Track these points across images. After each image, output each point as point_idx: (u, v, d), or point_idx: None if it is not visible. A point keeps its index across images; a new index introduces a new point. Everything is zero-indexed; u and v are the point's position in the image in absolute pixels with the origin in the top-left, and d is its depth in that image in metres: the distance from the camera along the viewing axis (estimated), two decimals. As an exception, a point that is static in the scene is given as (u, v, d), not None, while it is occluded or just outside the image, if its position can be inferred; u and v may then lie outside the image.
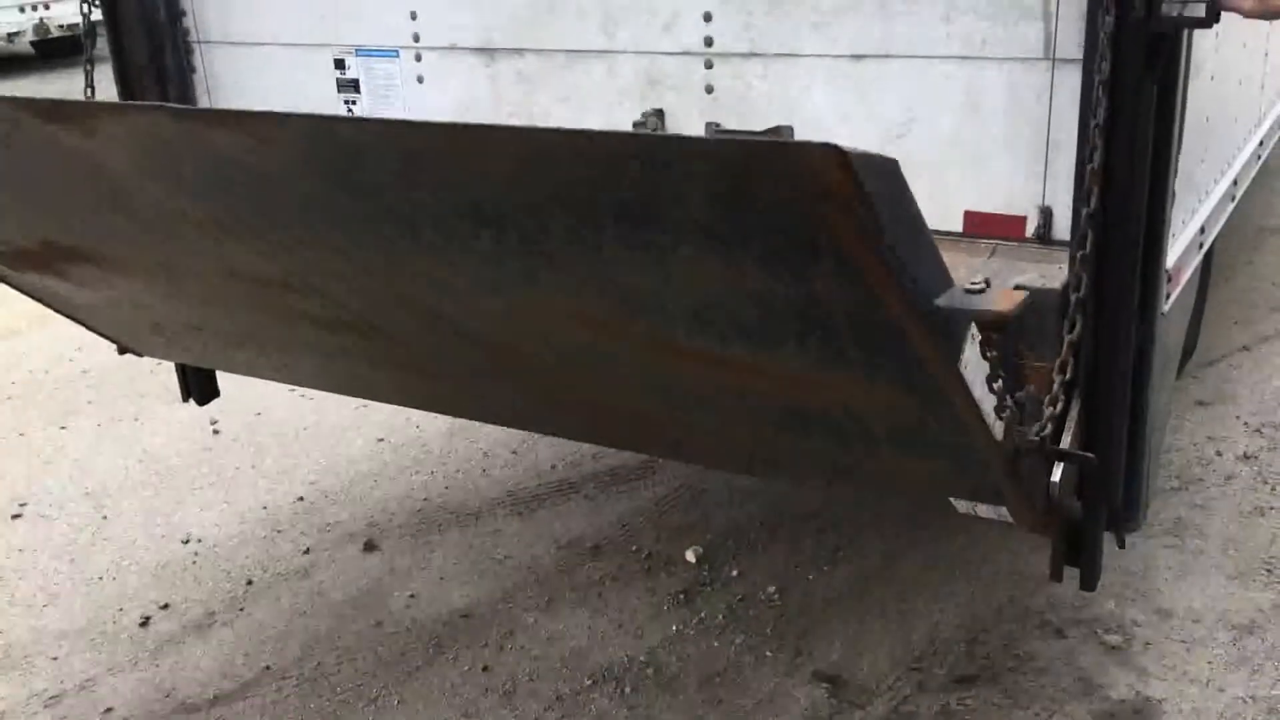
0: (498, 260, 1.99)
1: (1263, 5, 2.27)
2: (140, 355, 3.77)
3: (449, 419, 5.11)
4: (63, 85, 14.09)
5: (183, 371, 4.02)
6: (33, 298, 3.41)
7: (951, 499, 2.55)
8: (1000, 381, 2.04)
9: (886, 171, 1.56)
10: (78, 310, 3.46)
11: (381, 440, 5.04)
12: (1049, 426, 2.22)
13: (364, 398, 3.46)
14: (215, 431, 5.19)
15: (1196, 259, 3.13)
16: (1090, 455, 2.35)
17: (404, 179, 1.83)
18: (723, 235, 1.66)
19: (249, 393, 5.36)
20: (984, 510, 2.51)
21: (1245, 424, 4.67)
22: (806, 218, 1.54)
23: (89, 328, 3.63)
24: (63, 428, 5.34)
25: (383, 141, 1.79)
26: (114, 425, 5.34)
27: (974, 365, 1.98)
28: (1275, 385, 5.02)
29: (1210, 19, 2.20)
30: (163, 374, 5.43)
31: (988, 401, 2.03)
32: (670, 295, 1.94)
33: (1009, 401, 2.09)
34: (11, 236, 2.88)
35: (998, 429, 2.11)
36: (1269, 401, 4.87)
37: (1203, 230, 3.12)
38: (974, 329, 1.95)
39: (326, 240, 2.19)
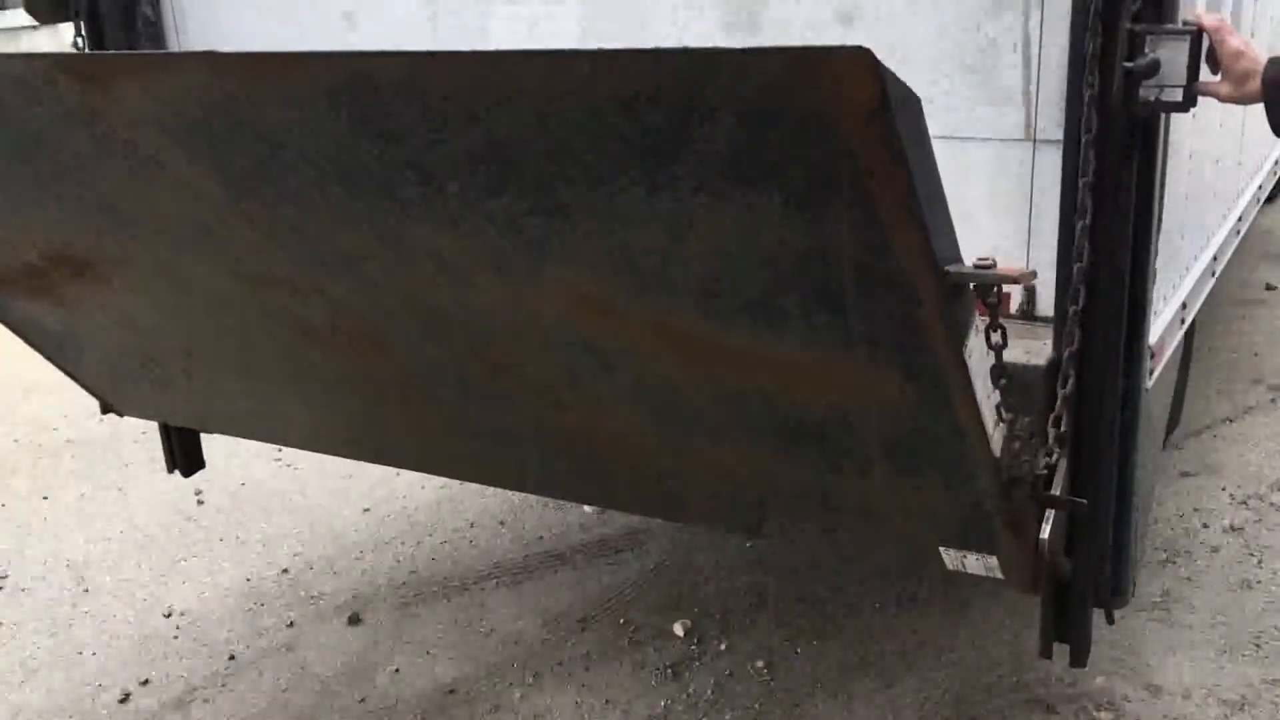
0: (513, 225, 1.95)
1: (1238, 90, 2.33)
2: (121, 414, 3.74)
3: (436, 489, 5.10)
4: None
5: (168, 440, 4.00)
6: (17, 332, 3.36)
7: (941, 549, 2.51)
8: (1003, 378, 2.05)
9: (911, 98, 1.57)
10: (64, 350, 3.41)
11: (367, 510, 5.01)
12: (1043, 466, 2.22)
13: (351, 455, 3.41)
14: (200, 502, 5.15)
15: (1179, 335, 3.16)
16: (1082, 500, 2.34)
17: (430, 119, 1.80)
18: (746, 164, 1.65)
19: (234, 462, 5.35)
20: (973, 563, 2.48)
21: (1231, 496, 4.69)
22: (833, 127, 1.52)
23: (72, 375, 3.59)
24: (45, 498, 5.30)
25: (415, 77, 1.76)
26: (97, 495, 5.30)
27: (978, 357, 1.98)
28: (1259, 457, 5.04)
29: (1188, 104, 2.25)
30: (147, 443, 5.41)
31: (988, 404, 2.03)
32: (681, 262, 1.91)
33: (1007, 405, 2.10)
34: (11, 245, 2.85)
35: (996, 438, 2.11)
36: (1254, 473, 4.89)
37: (1184, 306, 3.16)
38: (978, 322, 1.97)
39: (339, 211, 2.13)
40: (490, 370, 2.58)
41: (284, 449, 5.44)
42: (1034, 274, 1.96)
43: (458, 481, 5.11)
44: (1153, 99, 2.25)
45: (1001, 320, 2.05)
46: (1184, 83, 2.23)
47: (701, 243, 1.85)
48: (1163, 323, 2.85)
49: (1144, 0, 2.21)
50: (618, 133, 1.68)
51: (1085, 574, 2.56)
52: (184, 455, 4.05)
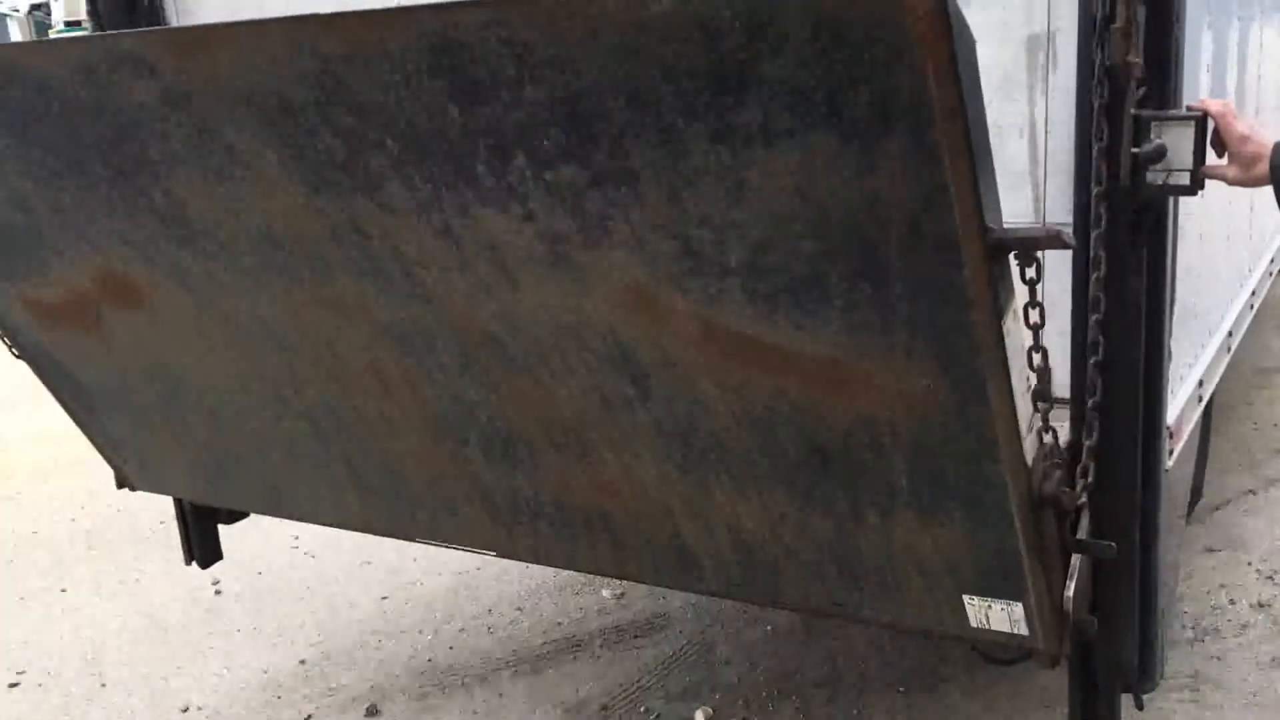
0: (574, 201, 2.01)
1: (1246, 173, 2.35)
2: (134, 489, 3.73)
3: (452, 575, 5.07)
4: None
5: (185, 531, 4.01)
6: (45, 378, 3.37)
7: (965, 599, 2.43)
8: (1041, 361, 2.06)
9: (967, 32, 1.66)
10: (88, 403, 3.42)
11: (385, 598, 4.98)
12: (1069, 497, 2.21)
13: (365, 526, 3.32)
14: (217, 591, 5.13)
15: (1197, 412, 3.15)
16: (1110, 544, 2.32)
17: (516, 67, 1.86)
18: (810, 94, 1.71)
19: (252, 550, 5.34)
20: (998, 616, 2.40)
21: (1257, 571, 4.63)
22: (898, 39, 1.60)
23: (91, 435, 3.60)
24: (63, 590, 5.29)
25: (503, 20, 1.82)
26: (114, 586, 5.29)
27: (1015, 340, 1.98)
28: (1284, 529, 4.99)
29: (1194, 188, 2.27)
30: (165, 533, 5.41)
31: (1023, 402, 2.03)
32: (735, 231, 1.94)
33: (1043, 395, 2.09)
34: (71, 262, 2.87)
35: (1029, 444, 2.09)
36: (1278, 546, 4.83)
37: (1201, 384, 3.15)
38: (1016, 303, 1.98)
39: (410, 199, 2.18)
40: (520, 406, 2.56)
41: (301, 536, 5.44)
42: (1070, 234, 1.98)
43: (475, 567, 5.10)
44: (1160, 183, 2.27)
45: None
46: (1190, 167, 2.26)
47: (756, 204, 1.89)
48: (1180, 402, 2.85)
49: (1148, 86, 2.25)
50: (692, 65, 1.75)
51: (1111, 655, 2.52)
52: (202, 546, 4.05)
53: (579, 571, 3.82)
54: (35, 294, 3.07)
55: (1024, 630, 2.39)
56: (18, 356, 3.42)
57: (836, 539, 2.44)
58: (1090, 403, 2.21)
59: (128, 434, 3.51)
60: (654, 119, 1.84)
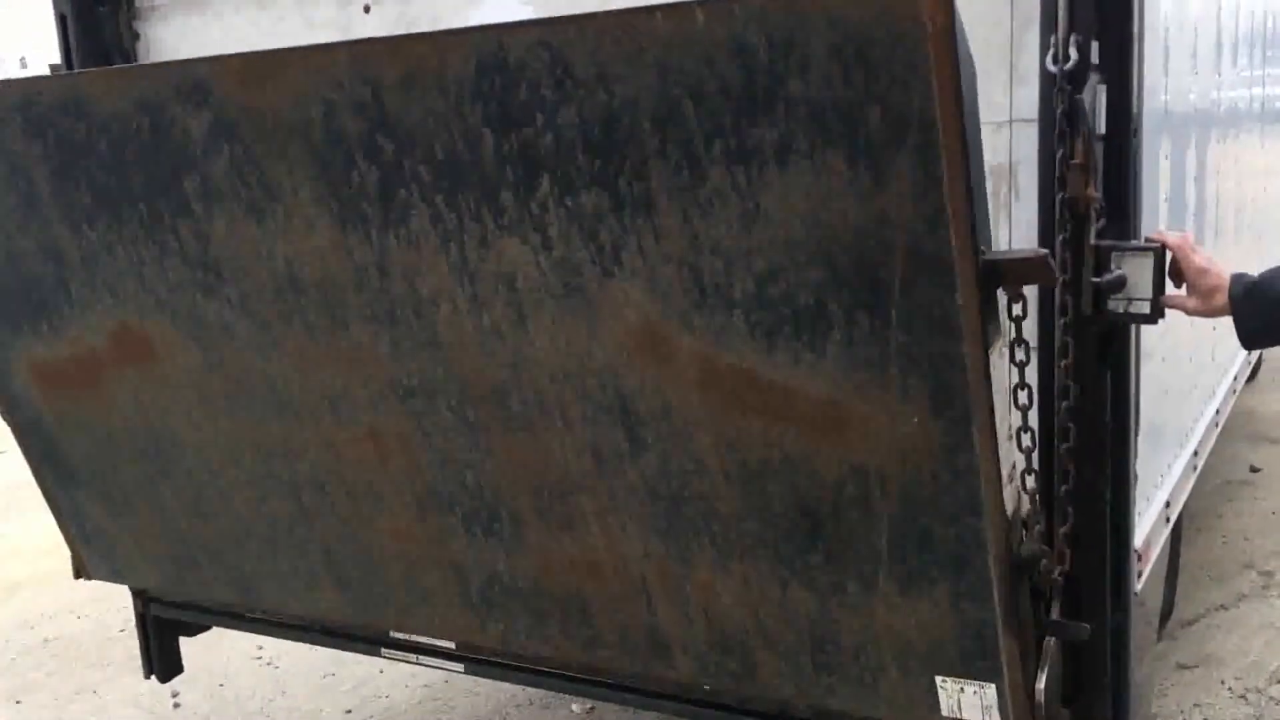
0: (591, 229, 2.18)
1: (1205, 305, 2.41)
2: (91, 578, 3.68)
3: (420, 687, 4.98)
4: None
5: (145, 642, 3.93)
6: (27, 446, 3.39)
7: (938, 681, 2.41)
8: (1025, 396, 2.16)
9: (970, 61, 1.91)
10: (66, 482, 3.43)
11: (349, 711, 4.87)
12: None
13: (340, 620, 3.30)
14: (176, 704, 5.01)
15: (1165, 532, 3.18)
16: (1085, 625, 2.34)
17: (555, 87, 2.04)
18: (827, 112, 1.89)
19: (214, 660, 5.23)
20: (969, 703, 2.38)
21: (1230, 689, 4.61)
22: (910, 46, 1.77)
23: (60, 518, 3.59)
24: (18, 702, 5.15)
25: (548, 42, 2.01)
26: (73, 697, 5.15)
27: (999, 371, 2.08)
28: (1256, 646, 4.97)
29: (1155, 316, 2.33)
30: (126, 641, 5.30)
31: (1006, 448, 2.13)
32: (744, 259, 2.10)
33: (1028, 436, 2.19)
34: (79, 328, 2.99)
35: (1009, 494, 2.16)
36: (1251, 664, 4.81)
37: (1168, 504, 3.18)
38: (1001, 342, 2.09)
39: (435, 231, 2.35)
40: (513, 469, 2.61)
41: (265, 646, 5.34)
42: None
43: (443, 680, 5.01)
44: (1122, 310, 2.34)
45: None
46: (1150, 296, 2.32)
47: (767, 229, 2.06)
48: (1148, 522, 2.87)
49: (1108, 218, 2.32)
50: (722, 82, 1.93)
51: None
52: (162, 658, 3.97)
53: (547, 674, 3.74)
54: (43, 353, 3.15)
55: (995, 719, 2.38)
56: (6, 420, 3.41)
57: (816, 617, 2.45)
58: (1062, 532, 2.24)
59: (100, 514, 3.49)
60: (678, 140, 2.02)
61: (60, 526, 3.64)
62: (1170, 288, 2.40)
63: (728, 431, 2.30)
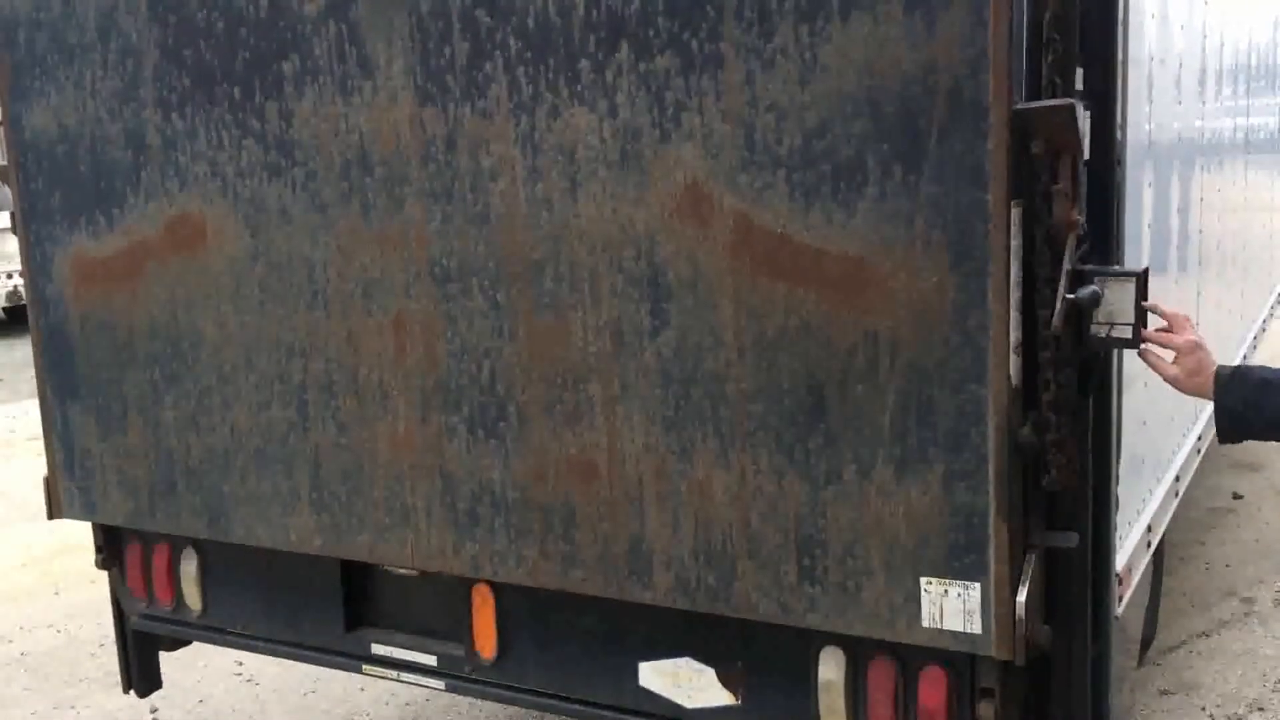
0: (659, 93, 2.43)
1: (1190, 382, 2.40)
2: (64, 515, 3.69)
3: (400, 706, 4.95)
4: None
5: (125, 656, 3.89)
6: (42, 352, 3.50)
7: (923, 582, 2.39)
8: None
9: None
10: (68, 395, 3.52)
11: (329, 730, 4.84)
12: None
13: (309, 545, 3.24)
14: (154, 720, 4.97)
15: (1146, 557, 3.19)
16: (1072, 532, 2.36)
17: None
18: None
19: (192, 679, 5.19)
20: (952, 608, 2.36)
21: (1210, 716, 4.61)
22: None
23: (50, 439, 3.63)
24: (-6, 717, 5.10)
25: None
26: (50, 715, 5.10)
27: (1016, 227, 2.19)
28: (1236, 673, 4.98)
29: (1137, 341, 2.35)
30: (104, 656, 5.26)
31: (1014, 320, 2.22)
32: (796, 115, 2.34)
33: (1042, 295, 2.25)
34: (136, 216, 3.18)
35: (1015, 367, 2.23)
36: (1232, 692, 4.82)
37: (1150, 529, 3.19)
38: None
39: (509, 96, 2.62)
40: (532, 354, 2.73)
41: (245, 662, 5.30)
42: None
43: (424, 698, 4.98)
44: (1104, 335, 2.35)
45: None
46: (1132, 320, 2.33)
47: (823, 82, 2.30)
48: (1130, 547, 2.88)
49: (1091, 245, 2.34)
50: None
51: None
52: (141, 673, 3.94)
53: (524, 691, 3.70)
54: (91, 248, 3.32)
55: (976, 627, 2.35)
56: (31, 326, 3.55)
57: (807, 513, 2.48)
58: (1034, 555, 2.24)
59: (90, 433, 3.53)
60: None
61: (47, 454, 3.67)
62: (1158, 351, 2.41)
63: (751, 299, 2.46)
